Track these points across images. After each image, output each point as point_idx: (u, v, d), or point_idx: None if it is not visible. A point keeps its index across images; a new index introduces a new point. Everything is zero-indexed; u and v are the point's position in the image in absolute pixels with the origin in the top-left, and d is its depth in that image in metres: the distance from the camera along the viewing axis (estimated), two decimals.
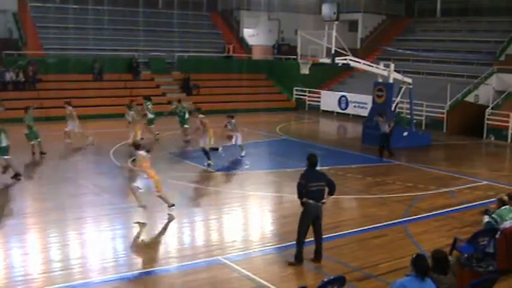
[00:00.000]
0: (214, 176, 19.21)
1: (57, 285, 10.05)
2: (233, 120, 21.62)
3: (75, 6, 38.79)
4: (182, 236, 13.41)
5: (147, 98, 26.26)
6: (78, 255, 11.73)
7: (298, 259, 11.25)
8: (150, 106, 25.69)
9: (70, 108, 23.81)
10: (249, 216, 15.39)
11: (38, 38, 36.90)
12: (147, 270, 11.09)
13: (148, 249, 12.39)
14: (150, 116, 25.61)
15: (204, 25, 44.27)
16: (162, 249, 12.58)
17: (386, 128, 22.48)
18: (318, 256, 11.43)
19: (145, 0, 42.16)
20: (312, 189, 11.03)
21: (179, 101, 26.72)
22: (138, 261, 11.78)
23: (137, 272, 10.97)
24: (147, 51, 38.78)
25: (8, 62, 33.95)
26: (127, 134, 23.51)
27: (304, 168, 11.24)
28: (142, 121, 24.88)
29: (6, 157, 17.76)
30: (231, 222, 14.57)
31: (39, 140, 21.35)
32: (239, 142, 21.72)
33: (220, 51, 42.90)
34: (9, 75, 32.82)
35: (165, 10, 43.45)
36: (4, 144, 17.73)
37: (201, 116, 19.94)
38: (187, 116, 25.15)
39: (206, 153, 19.86)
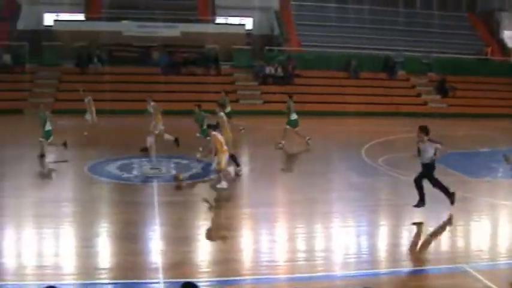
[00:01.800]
0: (466, 181, 17.99)
1: (300, 275, 10.12)
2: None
3: (336, 5, 39.55)
4: (427, 239, 12.75)
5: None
6: (322, 248, 11.74)
7: None
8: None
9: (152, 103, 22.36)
10: (497, 225, 14.13)
11: (297, 34, 38.33)
12: (388, 270, 10.70)
13: (391, 248, 11.97)
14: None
15: (462, 26, 42.19)
16: (402, 250, 12.07)
17: None
18: None
19: (404, 0, 41.54)
20: None
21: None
22: (380, 259, 11.42)
23: (380, 270, 10.64)
24: (404, 50, 38.05)
25: (269, 57, 35.78)
26: (377, 132, 23.15)
27: None
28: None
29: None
30: (478, 230, 13.51)
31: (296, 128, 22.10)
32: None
33: (475, 52, 40.41)
34: (269, 69, 34.60)
35: (423, 10, 42.27)
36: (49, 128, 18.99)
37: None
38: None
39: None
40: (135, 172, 17.40)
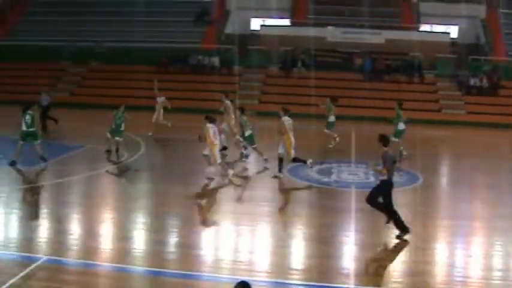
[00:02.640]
0: None
1: None
2: None
3: None
4: None
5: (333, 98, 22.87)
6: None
7: None
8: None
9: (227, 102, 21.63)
10: None
11: (505, 44, 36.19)
12: None
13: None
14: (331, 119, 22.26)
15: None
16: None
17: None
18: None
19: None
20: None
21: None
22: None
23: None
24: None
25: (474, 66, 34.19)
26: None
27: None
28: None
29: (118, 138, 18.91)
30: None
31: None
32: None
33: None
34: (474, 81, 33.07)
35: None
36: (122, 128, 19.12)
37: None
38: None
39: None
40: (333, 177, 17.53)
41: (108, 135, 19.23)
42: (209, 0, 38.96)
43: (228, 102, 21.20)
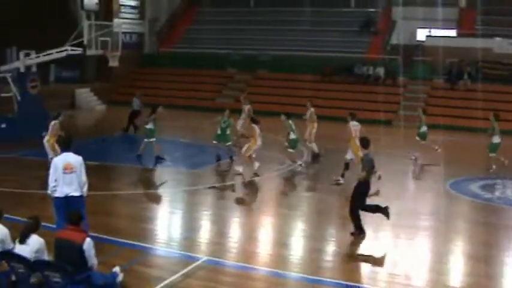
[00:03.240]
0: None
1: None
2: None
3: None
4: None
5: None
6: None
7: None
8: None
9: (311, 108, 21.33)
10: None
11: None
12: None
13: None
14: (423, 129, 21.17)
15: None
16: None
17: None
18: None
19: None
20: None
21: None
22: None
23: None
24: None
25: None
26: None
27: None
28: None
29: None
30: None
31: None
32: None
33: None
34: None
35: None
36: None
37: None
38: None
39: None
40: (497, 193, 16.99)
41: (214, 141, 20.08)
42: (375, 10, 38.92)
43: (312, 109, 21.39)
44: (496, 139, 19.62)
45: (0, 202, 13.52)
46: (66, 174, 10.52)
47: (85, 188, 10.76)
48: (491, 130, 19.81)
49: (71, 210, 9.71)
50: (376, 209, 12.59)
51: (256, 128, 17.64)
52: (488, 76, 32.51)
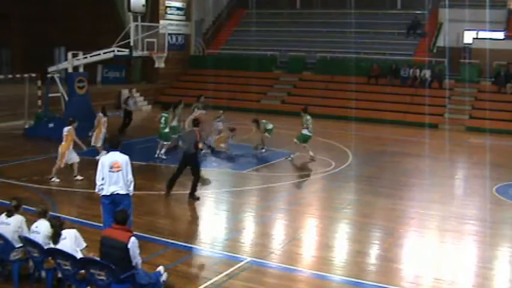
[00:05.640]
0: None
1: None
2: None
3: None
4: None
5: None
6: None
7: None
8: None
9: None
10: None
11: None
12: None
13: None
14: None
15: None
16: None
17: None
18: None
19: None
20: None
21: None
22: None
23: None
24: None
25: None
26: None
27: None
28: None
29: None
30: None
31: None
32: None
33: None
34: None
35: None
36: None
37: None
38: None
39: None
40: None
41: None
42: (422, 12, 38.44)
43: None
44: (304, 131, 20.12)
45: (48, 200, 13.92)
46: (112, 172, 10.72)
47: (131, 187, 10.93)
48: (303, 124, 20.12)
49: (118, 208, 9.94)
50: None
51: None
52: None
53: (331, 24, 39.42)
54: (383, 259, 11.64)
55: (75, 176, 16.61)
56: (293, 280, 10.34)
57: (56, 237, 9.01)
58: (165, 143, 20.29)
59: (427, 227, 13.76)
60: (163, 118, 20.22)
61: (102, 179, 10.77)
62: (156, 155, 20.23)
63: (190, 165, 15.10)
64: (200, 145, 15.14)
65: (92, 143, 19.46)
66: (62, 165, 16.46)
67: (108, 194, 10.76)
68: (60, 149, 16.49)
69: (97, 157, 16.41)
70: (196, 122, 15.72)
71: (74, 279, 8.76)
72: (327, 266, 11.00)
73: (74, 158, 16.69)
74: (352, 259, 11.63)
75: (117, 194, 10.74)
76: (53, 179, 16.35)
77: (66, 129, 16.65)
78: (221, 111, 22.66)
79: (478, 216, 14.86)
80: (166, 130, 20.24)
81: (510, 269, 11.54)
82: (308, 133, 20.04)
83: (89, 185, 14.50)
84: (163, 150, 20.17)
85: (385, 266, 11.21)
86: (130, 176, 10.85)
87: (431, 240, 12.90)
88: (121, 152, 10.97)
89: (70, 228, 9.42)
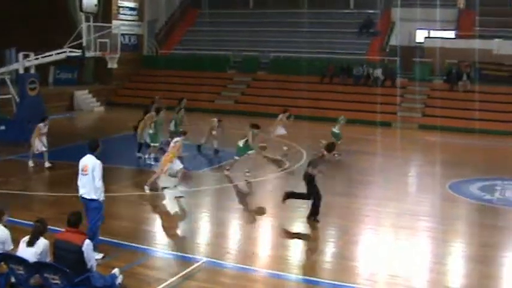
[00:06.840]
0: None
1: None
2: None
3: None
4: None
5: None
6: None
7: None
8: None
9: None
10: None
11: None
12: None
13: None
14: None
15: None
16: None
17: None
18: None
19: None
20: None
21: None
22: None
23: None
24: None
25: None
26: None
27: None
28: None
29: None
30: None
31: None
32: None
33: None
34: None
35: None
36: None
37: None
38: None
39: None
40: (497, 194, 16.93)
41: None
42: (374, 11, 38.92)
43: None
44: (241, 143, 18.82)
45: (2, 204, 13.56)
46: (82, 175, 10.64)
47: (97, 193, 10.57)
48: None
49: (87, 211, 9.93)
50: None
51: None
52: (487, 77, 32.55)
53: (284, 24, 39.55)
54: (338, 257, 11.71)
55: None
56: (249, 279, 10.30)
57: (33, 239, 8.69)
58: (156, 145, 19.73)
59: (382, 224, 13.91)
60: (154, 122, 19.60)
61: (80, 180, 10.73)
62: (144, 158, 19.81)
63: None
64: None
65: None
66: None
67: (79, 195, 10.74)
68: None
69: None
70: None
71: (27, 284, 8.55)
72: (283, 265, 10.98)
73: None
74: (307, 257, 11.69)
75: (83, 197, 10.64)
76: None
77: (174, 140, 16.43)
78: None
79: (431, 213, 15.11)
80: (152, 131, 19.65)
81: (463, 264, 11.72)
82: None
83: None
84: (152, 155, 19.68)
85: (340, 263, 11.28)
86: (97, 181, 10.50)
87: (386, 237, 13.03)
88: (96, 156, 10.68)
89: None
